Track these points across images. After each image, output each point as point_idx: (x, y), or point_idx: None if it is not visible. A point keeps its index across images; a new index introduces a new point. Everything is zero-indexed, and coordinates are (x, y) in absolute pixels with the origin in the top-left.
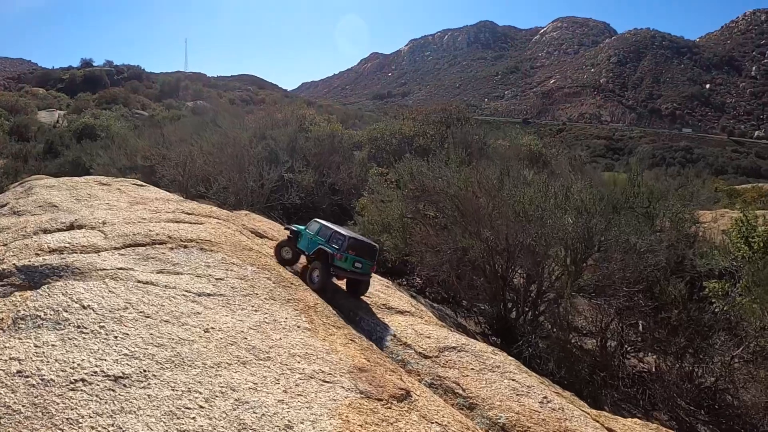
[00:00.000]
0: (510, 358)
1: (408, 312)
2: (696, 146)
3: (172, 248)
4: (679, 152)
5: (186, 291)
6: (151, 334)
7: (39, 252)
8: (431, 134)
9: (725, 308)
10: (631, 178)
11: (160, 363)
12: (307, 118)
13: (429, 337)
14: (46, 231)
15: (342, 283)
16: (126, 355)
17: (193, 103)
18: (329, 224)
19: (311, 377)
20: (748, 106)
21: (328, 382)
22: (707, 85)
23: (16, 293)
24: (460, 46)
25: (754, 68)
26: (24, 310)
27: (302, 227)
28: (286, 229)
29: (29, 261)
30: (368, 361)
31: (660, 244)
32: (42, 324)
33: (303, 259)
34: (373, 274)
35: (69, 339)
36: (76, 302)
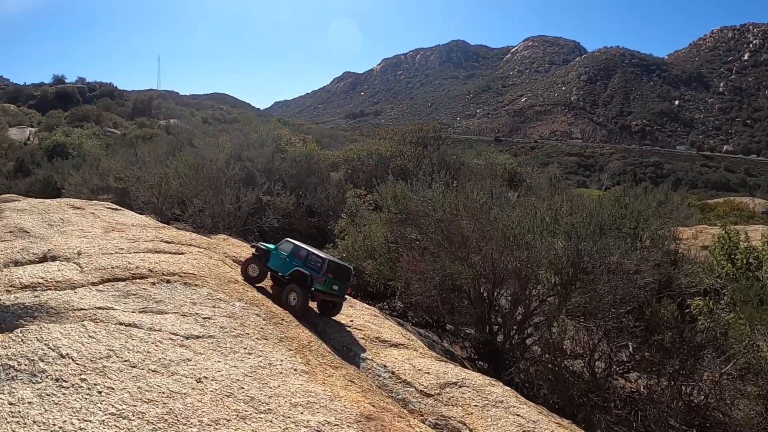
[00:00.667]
0: (508, 389)
1: (402, 344)
2: (666, 161)
3: (154, 283)
4: (650, 168)
5: (173, 334)
6: (139, 387)
7: (10, 288)
8: (408, 154)
9: (710, 325)
10: (618, 200)
11: (152, 423)
12: (282, 139)
13: (428, 373)
14: (17, 263)
15: (313, 304)
16: (113, 414)
17: (166, 122)
18: (302, 244)
19: (318, 430)
20: (717, 121)
21: None
22: (676, 102)
23: None
24: (432, 65)
25: (721, 84)
26: None
27: (272, 246)
28: (252, 246)
29: None
30: (373, 406)
31: (646, 263)
32: (16, 376)
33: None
34: (360, 303)
35: (47, 395)
36: (53, 350)
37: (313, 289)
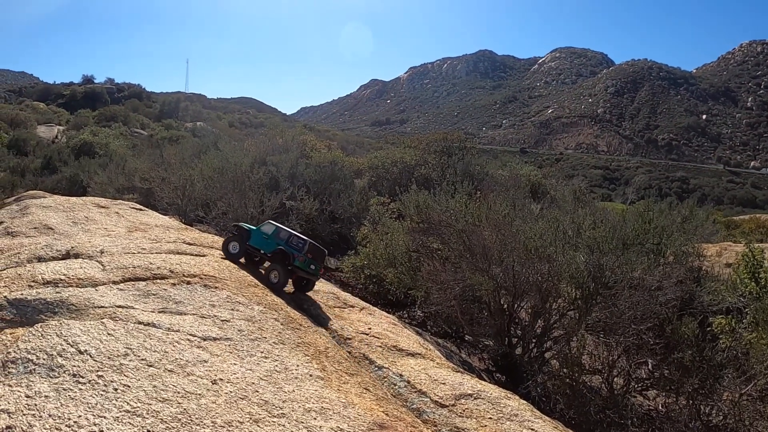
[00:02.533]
0: (524, 402)
1: (419, 354)
2: (692, 177)
3: (174, 284)
4: (676, 182)
5: (191, 335)
6: (155, 386)
7: (32, 283)
8: (432, 163)
9: (732, 344)
10: (642, 214)
11: (166, 422)
12: (307, 144)
13: (444, 383)
14: (40, 259)
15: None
16: (127, 411)
17: (193, 124)
18: (283, 227)
19: None
20: (744, 136)
21: None
22: (704, 116)
23: (6, 330)
24: (459, 75)
25: (750, 99)
26: (15, 352)
27: (253, 227)
28: (233, 225)
29: (22, 293)
30: (387, 415)
31: (668, 279)
32: (34, 370)
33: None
34: (379, 311)
35: (64, 390)
36: (71, 345)
37: (290, 267)
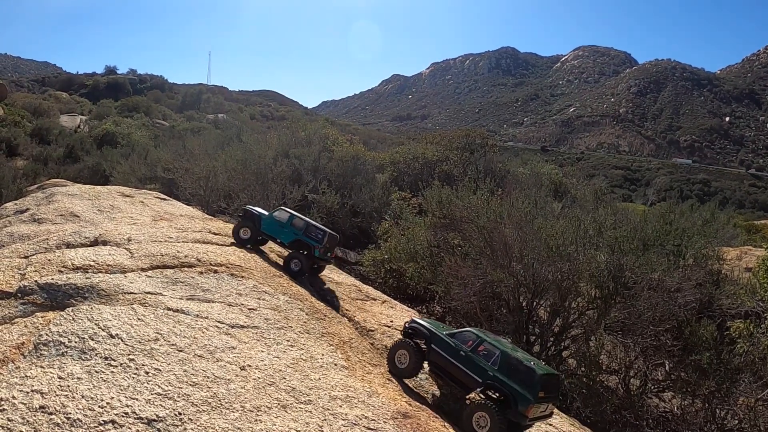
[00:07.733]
0: None
1: None
2: (714, 179)
3: (201, 272)
4: (697, 185)
5: (219, 322)
6: (185, 370)
7: (62, 269)
8: (454, 160)
9: (749, 349)
10: (663, 216)
11: (196, 405)
12: (330, 138)
13: None
14: (69, 245)
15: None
16: (159, 394)
17: (214, 116)
18: (298, 214)
19: (355, 424)
20: (767, 140)
21: (372, 429)
22: (727, 118)
23: (38, 314)
24: (481, 72)
25: None
26: (47, 334)
27: (264, 212)
28: (242, 209)
29: (52, 278)
30: (410, 405)
31: (688, 282)
32: (66, 352)
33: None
34: (400, 305)
35: (96, 372)
36: (103, 330)
37: (314, 257)
